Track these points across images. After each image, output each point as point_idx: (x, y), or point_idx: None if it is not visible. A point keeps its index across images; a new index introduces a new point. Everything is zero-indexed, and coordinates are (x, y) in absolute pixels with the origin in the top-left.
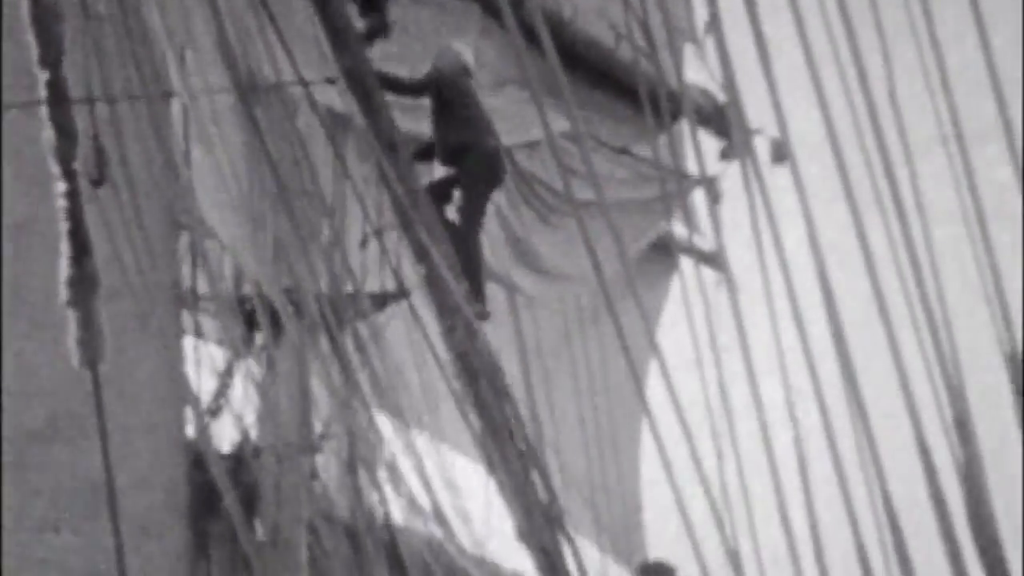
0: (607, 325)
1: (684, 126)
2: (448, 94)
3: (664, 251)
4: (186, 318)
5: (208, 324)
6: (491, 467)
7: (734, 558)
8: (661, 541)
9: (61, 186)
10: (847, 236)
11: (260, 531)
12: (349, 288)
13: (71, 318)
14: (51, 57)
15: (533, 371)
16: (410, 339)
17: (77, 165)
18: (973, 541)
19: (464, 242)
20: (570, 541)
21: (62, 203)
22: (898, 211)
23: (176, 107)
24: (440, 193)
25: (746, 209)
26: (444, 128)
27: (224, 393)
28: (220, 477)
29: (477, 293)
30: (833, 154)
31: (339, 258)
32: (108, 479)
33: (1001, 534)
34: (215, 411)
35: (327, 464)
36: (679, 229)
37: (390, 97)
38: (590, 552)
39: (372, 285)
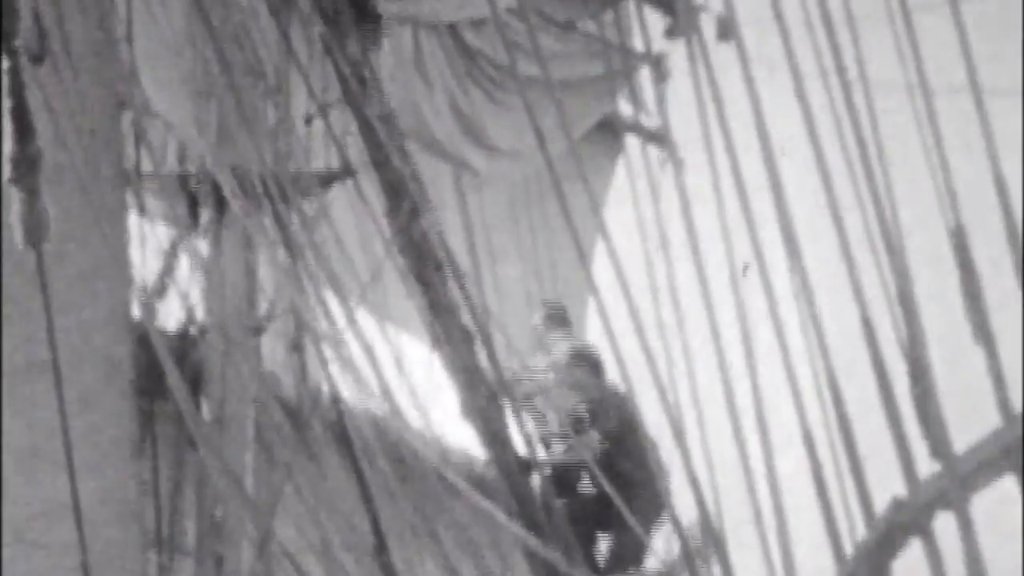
0: (554, 204)
1: (630, 2)
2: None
3: (610, 130)
4: (130, 197)
5: (152, 203)
6: (436, 344)
7: (678, 431)
8: None
9: (2, 64)
10: (792, 114)
11: (206, 410)
12: (294, 166)
13: (15, 197)
14: None
15: (479, 249)
16: (356, 217)
17: (18, 42)
18: (916, 415)
19: None
20: (517, 417)
21: (4, 81)
22: (843, 85)
23: None
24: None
25: (692, 87)
26: None
27: (169, 272)
28: (164, 356)
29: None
30: (779, 30)
31: (283, 136)
32: (53, 358)
33: (943, 407)
34: (160, 290)
35: (273, 343)
36: (625, 108)
37: None
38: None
39: (317, 163)
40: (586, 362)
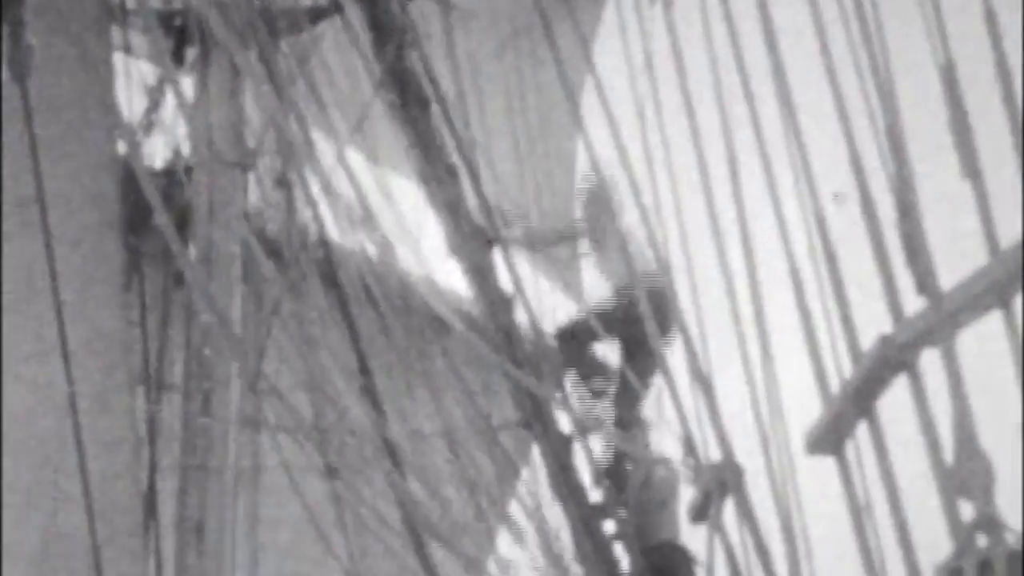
0: (541, 39)
1: None
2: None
3: None
4: (115, 33)
5: (138, 40)
6: (423, 181)
7: (664, 262)
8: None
9: None
10: None
11: (192, 248)
12: (281, 1)
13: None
14: None
15: (465, 84)
16: (342, 55)
17: None
18: (903, 251)
19: None
20: (504, 253)
21: None
22: None
23: None
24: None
25: None
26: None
27: (155, 109)
28: (151, 194)
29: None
30: None
31: None
32: (39, 195)
33: (930, 243)
34: (146, 127)
35: (260, 180)
36: None
37: None
38: (523, 266)
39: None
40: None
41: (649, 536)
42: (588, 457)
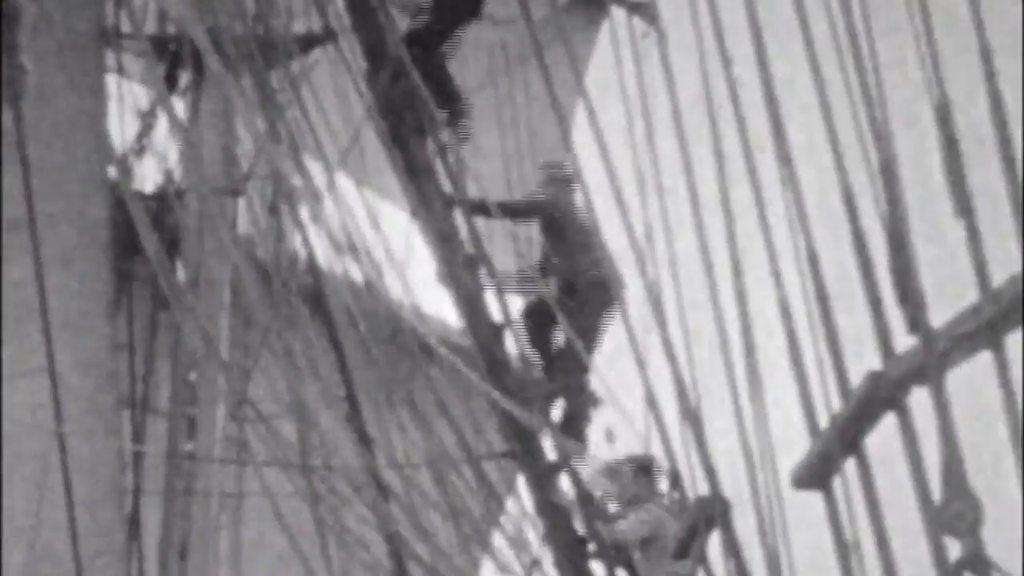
0: (533, 69)
1: None
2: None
3: (593, 1)
4: (109, 57)
5: (131, 63)
6: (414, 210)
7: (656, 299)
8: None
9: None
10: None
11: (181, 272)
12: (275, 28)
13: None
14: None
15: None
16: (335, 82)
17: None
18: (894, 289)
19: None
20: (494, 284)
21: None
22: None
23: None
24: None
25: None
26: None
27: (147, 133)
28: (139, 217)
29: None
30: None
31: None
32: (30, 216)
33: (921, 282)
34: (138, 151)
35: (250, 205)
36: None
37: None
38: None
39: (298, 27)
40: None
41: None
42: (574, 485)
